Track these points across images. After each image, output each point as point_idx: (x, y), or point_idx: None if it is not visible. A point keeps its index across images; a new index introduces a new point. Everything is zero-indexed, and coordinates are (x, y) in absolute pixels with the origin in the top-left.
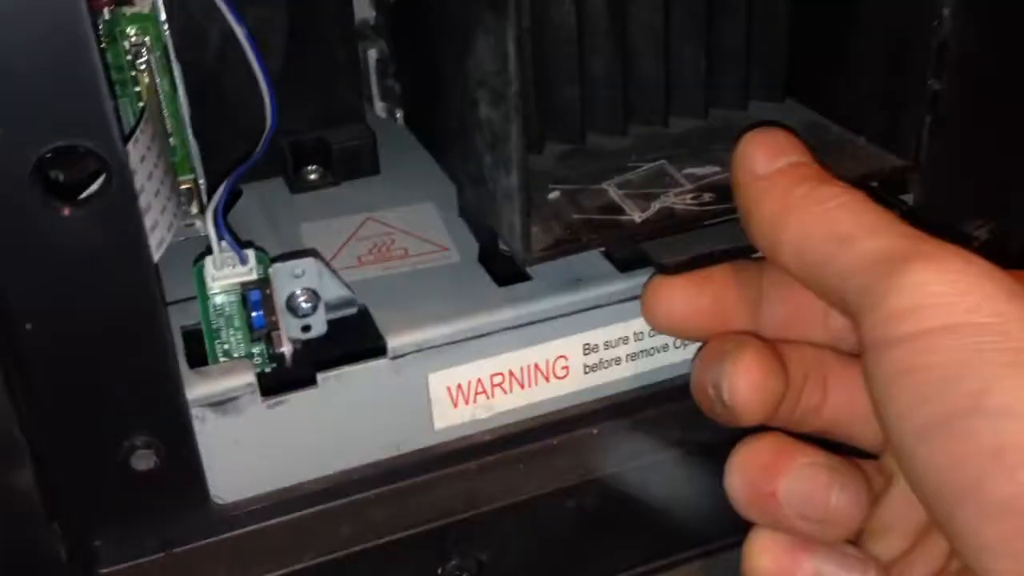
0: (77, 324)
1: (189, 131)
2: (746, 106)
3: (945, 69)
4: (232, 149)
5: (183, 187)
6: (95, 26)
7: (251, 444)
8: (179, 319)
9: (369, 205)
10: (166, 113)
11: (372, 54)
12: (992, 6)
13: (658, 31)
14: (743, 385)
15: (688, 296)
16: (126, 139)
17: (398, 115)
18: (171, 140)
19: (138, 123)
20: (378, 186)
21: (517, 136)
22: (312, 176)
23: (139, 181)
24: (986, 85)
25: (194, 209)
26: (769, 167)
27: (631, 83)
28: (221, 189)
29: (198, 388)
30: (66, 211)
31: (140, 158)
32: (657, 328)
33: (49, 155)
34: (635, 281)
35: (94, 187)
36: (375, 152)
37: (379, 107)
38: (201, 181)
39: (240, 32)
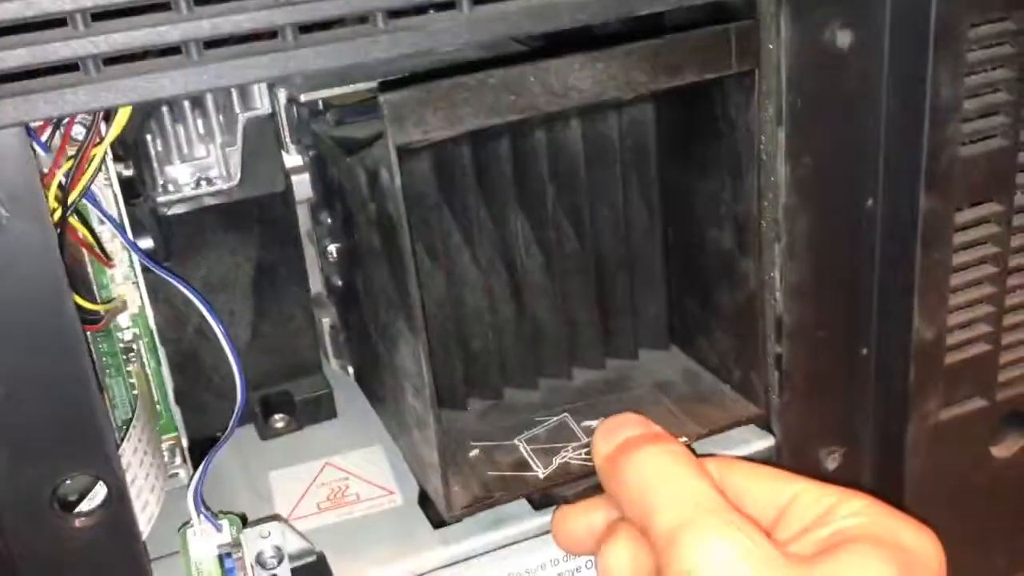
0: None
1: (172, 398)
2: (636, 355)
3: (784, 336)
4: (210, 407)
5: (168, 444)
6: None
7: None
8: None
9: (328, 449)
10: (153, 386)
11: (326, 322)
12: (815, 287)
13: (555, 298)
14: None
15: (583, 517)
16: (120, 440)
17: (350, 369)
18: (157, 407)
19: (131, 421)
20: (336, 430)
21: (435, 423)
22: (279, 424)
23: (131, 473)
24: (819, 345)
25: (177, 460)
26: (609, 447)
27: (538, 345)
28: (198, 474)
29: None
30: (76, 523)
31: (132, 450)
32: (564, 549)
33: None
34: (547, 517)
35: (98, 500)
36: (332, 400)
37: (334, 363)
38: (183, 439)
39: (212, 320)
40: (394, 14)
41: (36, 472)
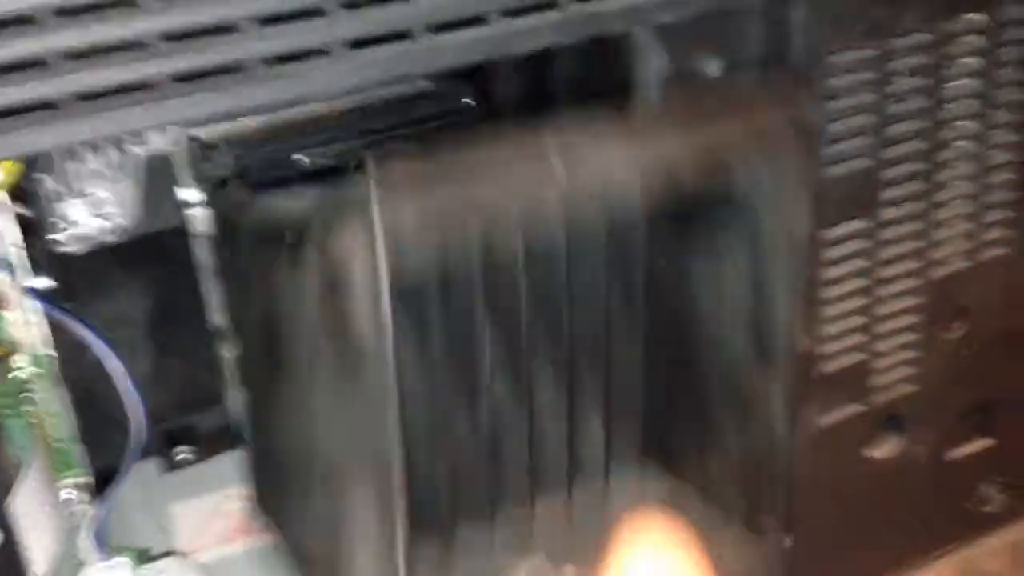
0: None
1: (74, 436)
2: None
3: None
4: (113, 442)
5: (71, 482)
6: None
7: None
8: None
9: (232, 480)
10: (54, 424)
11: (226, 352)
12: None
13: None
14: None
15: None
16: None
17: None
18: (60, 445)
19: (28, 466)
20: (240, 460)
21: None
22: (182, 456)
23: (29, 515)
24: None
25: (82, 497)
26: None
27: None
28: (96, 511)
29: None
30: None
31: (29, 492)
32: None
33: None
34: None
35: None
36: (236, 430)
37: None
38: (87, 477)
39: (110, 356)
40: (269, 62)
41: None
